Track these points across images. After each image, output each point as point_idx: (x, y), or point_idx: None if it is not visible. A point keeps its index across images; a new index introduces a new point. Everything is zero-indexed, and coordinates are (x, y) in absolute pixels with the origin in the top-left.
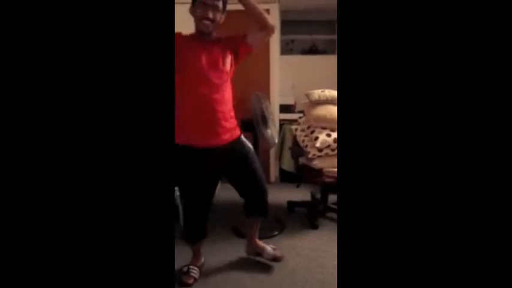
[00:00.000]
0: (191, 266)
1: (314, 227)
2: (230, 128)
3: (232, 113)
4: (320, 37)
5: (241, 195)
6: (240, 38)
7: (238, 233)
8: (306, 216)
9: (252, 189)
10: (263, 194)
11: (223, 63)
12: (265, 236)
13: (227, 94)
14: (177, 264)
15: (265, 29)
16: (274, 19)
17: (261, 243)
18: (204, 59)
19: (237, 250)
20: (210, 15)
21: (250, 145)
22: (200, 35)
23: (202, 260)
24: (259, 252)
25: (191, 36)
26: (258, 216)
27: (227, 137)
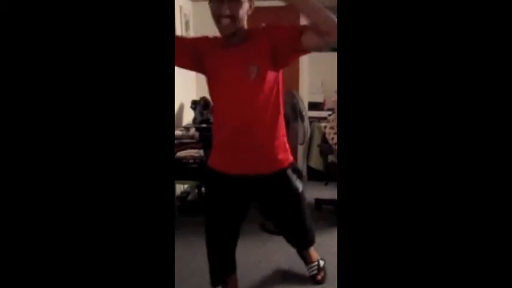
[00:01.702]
0: None
1: None
2: (270, 156)
3: (280, 136)
4: None
5: (280, 231)
6: (293, 35)
7: (266, 229)
8: (334, 214)
9: (293, 231)
10: (306, 233)
11: (256, 73)
12: None
13: (269, 112)
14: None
15: (322, 34)
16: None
17: (315, 253)
18: (229, 68)
19: (265, 245)
20: (227, 11)
21: (299, 184)
22: (225, 37)
23: None
24: (307, 260)
25: (217, 39)
26: (306, 248)
27: (265, 166)
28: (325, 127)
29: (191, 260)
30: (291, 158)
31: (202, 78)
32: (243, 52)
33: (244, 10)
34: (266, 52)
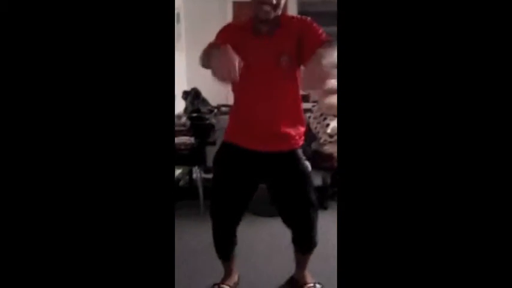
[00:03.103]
0: (222, 286)
1: (323, 207)
2: (288, 136)
3: (298, 118)
4: (336, 29)
5: (283, 219)
6: (316, 41)
7: (252, 211)
8: (317, 198)
9: (296, 218)
10: (309, 227)
11: (286, 62)
12: (277, 214)
13: (290, 95)
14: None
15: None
16: (292, 11)
17: (309, 277)
18: (261, 56)
19: (252, 226)
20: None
21: (307, 163)
22: (257, 23)
23: (237, 277)
24: (301, 285)
25: (247, 24)
26: (304, 253)
27: (281, 145)
28: (309, 117)
29: (188, 241)
30: (302, 142)
31: (193, 69)
32: (275, 41)
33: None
34: (295, 43)
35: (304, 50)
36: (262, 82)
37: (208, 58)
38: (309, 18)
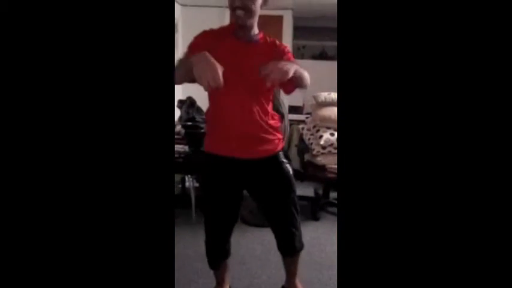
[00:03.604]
0: None
1: (315, 218)
2: (268, 140)
3: (274, 123)
4: (330, 44)
5: (268, 221)
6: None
7: (246, 221)
8: (308, 209)
9: (279, 222)
10: (291, 231)
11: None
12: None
13: (269, 102)
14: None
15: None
16: (287, 25)
17: (299, 286)
18: (242, 62)
19: (244, 235)
20: (239, 3)
21: (289, 167)
22: (238, 29)
23: (228, 287)
24: None
25: (228, 29)
26: (290, 256)
27: (263, 150)
28: (302, 128)
29: (180, 250)
30: (281, 146)
31: None
32: (256, 50)
33: (257, 4)
34: (270, 60)
35: None
36: (240, 84)
37: (185, 68)
38: (287, 47)
